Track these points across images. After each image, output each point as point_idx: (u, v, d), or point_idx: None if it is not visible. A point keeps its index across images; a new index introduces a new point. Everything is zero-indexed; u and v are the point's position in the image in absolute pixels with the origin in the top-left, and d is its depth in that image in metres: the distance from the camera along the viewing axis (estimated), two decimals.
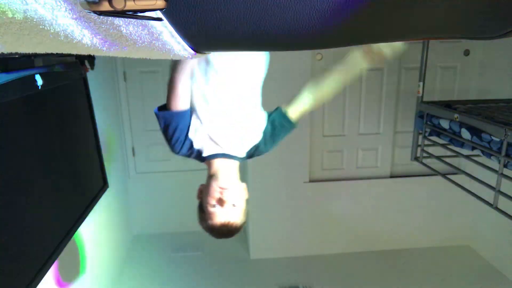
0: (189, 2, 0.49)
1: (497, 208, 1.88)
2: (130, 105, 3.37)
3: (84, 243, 2.33)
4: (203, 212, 1.20)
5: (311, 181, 3.29)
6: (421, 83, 2.45)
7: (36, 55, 1.45)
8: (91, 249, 2.44)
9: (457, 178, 2.32)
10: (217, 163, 1.20)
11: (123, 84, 3.31)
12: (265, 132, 1.27)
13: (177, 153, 1.23)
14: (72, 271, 2.15)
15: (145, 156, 3.50)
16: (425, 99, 2.47)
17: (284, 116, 1.30)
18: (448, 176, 2.36)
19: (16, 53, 1.23)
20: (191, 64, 1.14)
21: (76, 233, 1.87)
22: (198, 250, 3.42)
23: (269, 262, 3.27)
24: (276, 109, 1.32)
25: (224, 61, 1.14)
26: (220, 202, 1.13)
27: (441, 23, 0.56)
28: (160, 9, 0.44)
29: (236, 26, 0.53)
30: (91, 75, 2.07)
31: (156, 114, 1.22)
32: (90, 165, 2.07)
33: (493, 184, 1.88)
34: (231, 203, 1.13)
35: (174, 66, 1.17)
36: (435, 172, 2.43)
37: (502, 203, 1.85)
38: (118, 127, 3.30)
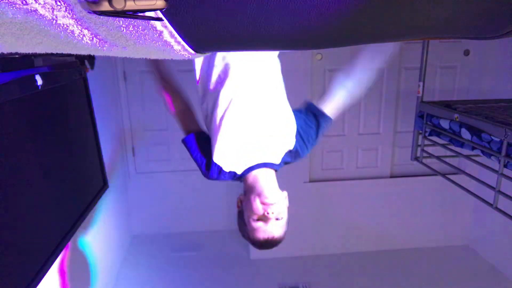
0: (189, 2, 0.50)
1: (497, 208, 1.88)
2: (130, 105, 3.37)
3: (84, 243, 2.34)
4: (244, 224, 1.14)
5: (311, 181, 3.29)
6: (421, 83, 2.45)
7: (36, 55, 1.45)
8: (91, 249, 2.44)
9: (457, 178, 2.32)
10: (253, 175, 1.13)
11: (123, 84, 3.31)
12: (301, 135, 1.20)
13: (209, 178, 1.20)
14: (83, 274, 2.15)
15: (145, 156, 3.50)
16: (425, 99, 2.46)
17: (323, 115, 1.23)
18: (448, 176, 2.36)
19: (16, 53, 1.23)
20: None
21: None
22: (198, 250, 3.42)
23: (269, 262, 3.27)
24: (308, 105, 1.25)
25: (241, 69, 1.11)
26: (264, 218, 1.07)
27: (441, 23, 0.56)
28: (160, 9, 0.44)
29: (236, 26, 0.53)
30: (91, 75, 2.07)
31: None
32: (90, 165, 2.06)
33: (493, 184, 1.88)
34: (274, 218, 1.08)
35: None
36: (435, 172, 2.43)
37: (502, 203, 1.85)
38: (118, 127, 3.30)
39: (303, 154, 1.22)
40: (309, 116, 1.24)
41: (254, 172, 1.14)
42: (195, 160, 1.20)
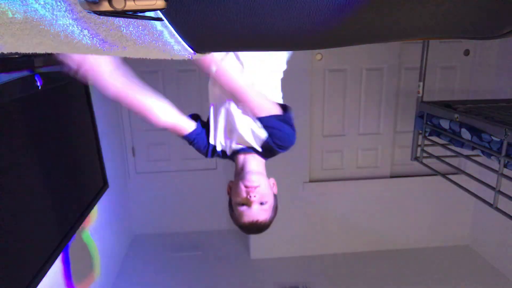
0: (189, 2, 0.50)
1: (497, 208, 1.88)
2: None
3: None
4: (232, 210, 1.19)
5: (311, 181, 3.29)
6: (421, 83, 2.45)
7: (36, 55, 1.45)
8: (91, 249, 2.44)
9: (457, 178, 2.32)
10: (241, 159, 1.20)
11: None
12: (270, 128, 1.18)
13: (207, 157, 1.27)
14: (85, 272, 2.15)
15: (145, 156, 3.50)
16: (425, 99, 2.46)
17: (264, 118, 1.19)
18: (448, 176, 2.36)
19: (16, 53, 1.23)
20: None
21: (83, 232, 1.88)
22: (198, 250, 3.42)
23: (269, 262, 3.27)
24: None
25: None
26: (247, 202, 1.11)
27: (441, 23, 0.56)
28: (160, 9, 0.44)
29: (236, 26, 0.53)
30: None
31: None
32: (90, 165, 2.07)
33: (493, 184, 1.88)
34: (258, 202, 1.12)
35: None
36: (435, 172, 2.43)
37: (502, 203, 1.85)
38: (118, 127, 3.30)
39: (274, 147, 1.19)
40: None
41: (241, 157, 1.20)
42: (194, 145, 1.25)
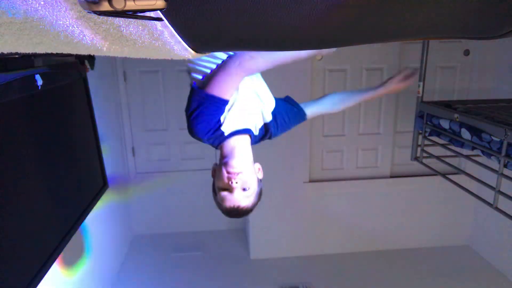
0: (189, 3, 0.50)
1: (497, 208, 1.88)
2: (130, 105, 3.37)
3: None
4: (215, 193, 1.18)
5: (311, 181, 3.29)
6: (421, 83, 2.45)
7: (36, 55, 1.45)
8: (91, 249, 2.44)
9: (457, 178, 2.31)
10: (231, 143, 1.17)
11: (123, 84, 3.31)
12: (276, 116, 1.30)
13: (199, 137, 1.15)
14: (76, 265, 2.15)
15: (145, 156, 3.50)
16: (425, 99, 2.46)
17: (300, 108, 1.37)
18: (448, 176, 2.36)
19: (16, 53, 1.23)
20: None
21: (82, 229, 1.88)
22: (198, 250, 3.42)
23: (269, 262, 3.27)
24: (288, 98, 1.39)
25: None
26: (229, 187, 1.10)
27: (440, 23, 0.56)
28: (160, 9, 0.44)
29: (236, 26, 0.53)
30: (91, 75, 2.07)
31: (194, 89, 1.13)
32: (90, 165, 2.06)
33: (493, 184, 1.88)
34: (240, 188, 1.11)
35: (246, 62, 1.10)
36: (435, 172, 2.43)
37: (502, 203, 1.85)
38: (118, 127, 3.30)
39: (273, 133, 1.31)
40: (287, 105, 1.36)
41: (232, 141, 1.17)
42: (212, 114, 1.14)
